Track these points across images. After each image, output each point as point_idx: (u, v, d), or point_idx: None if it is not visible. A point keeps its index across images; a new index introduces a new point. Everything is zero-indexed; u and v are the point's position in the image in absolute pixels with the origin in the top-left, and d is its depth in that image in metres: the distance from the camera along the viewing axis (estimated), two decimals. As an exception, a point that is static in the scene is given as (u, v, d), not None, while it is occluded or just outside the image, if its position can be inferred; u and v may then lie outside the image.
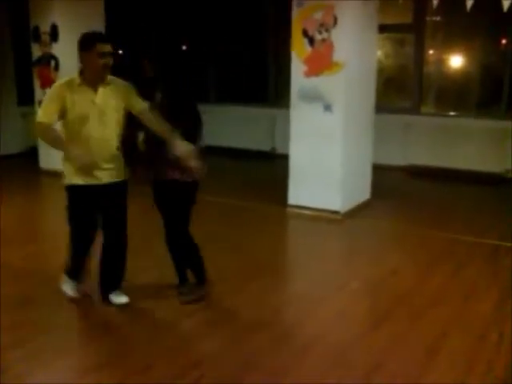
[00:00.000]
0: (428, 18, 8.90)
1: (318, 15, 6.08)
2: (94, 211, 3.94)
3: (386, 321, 3.86)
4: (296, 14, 6.25)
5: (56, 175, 8.19)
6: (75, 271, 4.14)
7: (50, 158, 8.62)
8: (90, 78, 3.70)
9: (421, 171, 8.57)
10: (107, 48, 3.67)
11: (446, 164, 8.44)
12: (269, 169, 9.28)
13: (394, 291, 4.38)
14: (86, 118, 3.70)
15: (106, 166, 3.81)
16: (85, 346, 3.56)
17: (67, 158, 3.79)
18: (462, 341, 3.56)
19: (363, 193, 6.85)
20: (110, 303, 4.05)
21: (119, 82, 3.85)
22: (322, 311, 4.03)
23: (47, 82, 8.41)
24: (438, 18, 9.13)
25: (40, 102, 8.55)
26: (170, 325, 3.80)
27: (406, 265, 4.97)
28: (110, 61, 3.68)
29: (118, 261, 4.05)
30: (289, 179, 6.55)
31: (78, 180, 3.81)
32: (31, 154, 9.21)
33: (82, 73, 3.73)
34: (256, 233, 5.84)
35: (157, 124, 3.76)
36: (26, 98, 9.45)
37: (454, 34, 9.06)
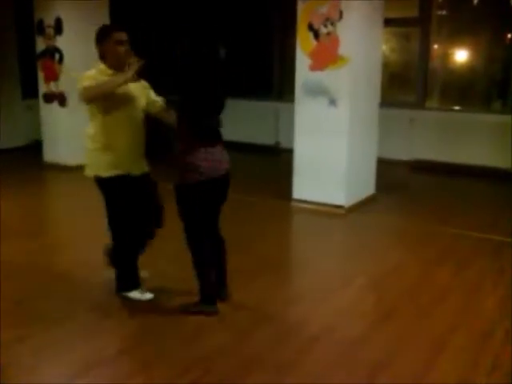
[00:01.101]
0: (434, 12, 8.85)
1: (324, 9, 6.05)
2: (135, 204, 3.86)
3: (391, 317, 3.85)
4: (301, 7, 6.22)
5: (59, 168, 8.34)
6: (132, 280, 4.05)
7: (54, 152, 8.67)
8: (114, 67, 3.71)
9: (425, 166, 8.54)
10: (124, 36, 3.71)
11: (451, 159, 8.41)
12: (273, 163, 9.27)
13: (398, 287, 4.37)
14: (127, 101, 3.71)
15: (139, 156, 3.85)
16: (92, 339, 3.54)
17: (105, 146, 3.71)
18: (467, 338, 3.55)
19: (367, 187, 6.84)
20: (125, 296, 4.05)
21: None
22: (327, 307, 4.02)
23: (51, 75, 8.43)
24: (444, 12, 9.07)
25: (45, 95, 8.57)
26: (175, 320, 3.79)
27: (411, 260, 4.96)
28: (128, 48, 3.71)
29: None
30: (293, 173, 6.54)
31: (117, 171, 3.75)
32: (35, 147, 9.21)
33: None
34: (260, 227, 5.83)
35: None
36: (30, 91, 9.46)
37: (460, 28, 9.01)
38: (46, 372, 3.22)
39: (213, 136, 3.69)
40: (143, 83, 3.89)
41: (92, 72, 3.72)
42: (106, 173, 3.75)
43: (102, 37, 3.74)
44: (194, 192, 3.65)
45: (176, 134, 3.69)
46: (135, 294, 4.03)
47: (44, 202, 7.31)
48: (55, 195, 7.73)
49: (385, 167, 7.34)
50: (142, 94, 3.88)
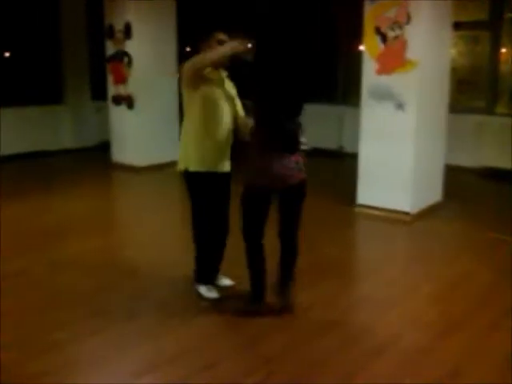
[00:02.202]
0: (505, 15, 8.59)
1: (391, 12, 5.97)
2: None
3: (460, 327, 3.75)
4: (368, 11, 6.16)
5: (126, 169, 8.55)
6: (204, 275, 4.18)
7: (121, 152, 8.90)
8: (213, 66, 3.79)
9: (494, 173, 8.29)
10: (223, 36, 3.85)
11: (521, 166, 8.13)
12: (336, 167, 9.20)
13: (467, 296, 4.25)
14: (225, 99, 3.85)
15: (228, 154, 3.95)
16: (156, 338, 3.61)
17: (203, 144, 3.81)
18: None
19: (434, 194, 6.69)
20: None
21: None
22: (393, 314, 3.96)
23: (120, 78, 8.66)
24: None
25: (113, 97, 8.81)
26: (239, 321, 3.81)
27: (480, 270, 4.82)
28: None
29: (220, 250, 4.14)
30: (358, 178, 6.47)
31: (209, 166, 3.85)
32: (103, 148, 9.48)
33: None
34: (324, 231, 5.79)
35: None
36: (100, 94, 9.75)
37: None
38: (112, 368, 3.29)
39: (289, 144, 3.60)
40: (234, 87, 4.03)
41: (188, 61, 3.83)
42: (197, 167, 3.85)
43: (204, 36, 3.87)
44: (261, 197, 3.67)
45: (250, 136, 3.73)
46: (202, 290, 4.13)
47: (111, 202, 7.50)
48: (122, 195, 7.93)
49: (452, 174, 7.17)
50: (235, 96, 4.01)
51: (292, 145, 3.61)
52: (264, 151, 3.60)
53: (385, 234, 5.84)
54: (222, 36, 3.84)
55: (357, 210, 6.46)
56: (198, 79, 3.74)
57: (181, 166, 3.93)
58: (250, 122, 3.77)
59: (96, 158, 9.69)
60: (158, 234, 5.76)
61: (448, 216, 6.40)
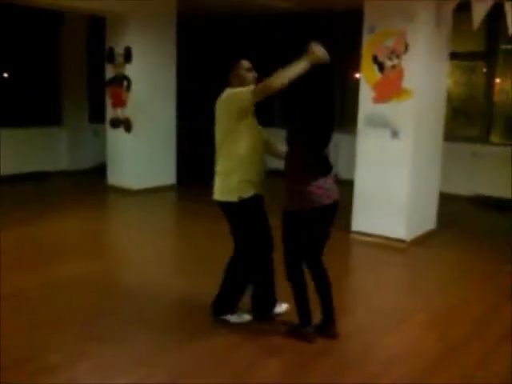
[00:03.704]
0: (500, 46, 8.72)
1: (389, 42, 6.07)
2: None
3: (456, 355, 3.74)
4: (367, 40, 6.26)
5: (122, 192, 8.56)
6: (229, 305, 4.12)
7: (118, 175, 8.92)
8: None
9: (487, 202, 8.34)
10: (249, 64, 3.92)
11: (514, 195, 8.19)
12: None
13: (461, 325, 4.25)
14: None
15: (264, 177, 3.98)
16: (146, 363, 3.58)
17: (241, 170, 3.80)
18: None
19: (429, 222, 6.73)
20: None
21: None
22: (388, 342, 3.95)
23: (119, 101, 8.72)
24: (511, 47, 8.92)
25: (111, 120, 8.85)
26: (235, 345, 3.80)
27: (473, 298, 4.83)
28: (255, 74, 3.90)
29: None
30: (353, 205, 6.51)
31: (256, 190, 3.86)
32: (100, 170, 9.50)
33: None
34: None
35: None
36: (98, 116, 9.79)
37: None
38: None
39: (326, 165, 3.73)
40: None
41: (237, 89, 3.81)
42: (251, 192, 3.83)
43: (233, 65, 3.92)
44: (304, 218, 3.71)
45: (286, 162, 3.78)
46: (234, 318, 4.08)
47: (106, 224, 7.48)
48: (117, 218, 7.92)
49: (445, 202, 7.21)
50: None
51: (328, 167, 3.73)
52: (305, 175, 3.66)
53: (379, 261, 5.86)
54: (248, 64, 3.90)
55: (352, 236, 6.48)
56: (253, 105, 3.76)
57: (232, 197, 3.81)
58: (282, 148, 3.95)
59: (92, 180, 9.70)
60: (153, 258, 5.76)
61: (442, 244, 6.43)
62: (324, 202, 3.67)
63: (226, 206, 3.88)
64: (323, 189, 3.66)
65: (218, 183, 3.91)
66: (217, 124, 3.87)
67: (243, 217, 3.89)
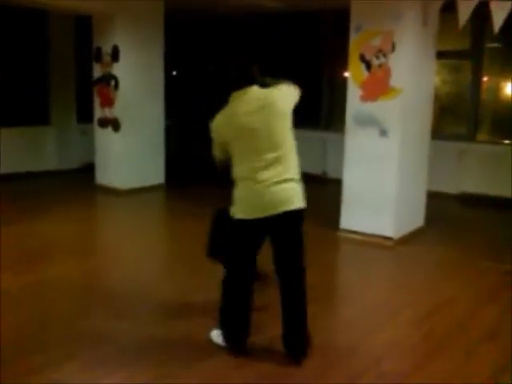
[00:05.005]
0: (485, 45, 8.78)
1: (377, 41, 6.09)
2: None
3: (440, 353, 3.77)
4: (354, 39, 6.28)
5: (110, 191, 8.54)
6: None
7: (106, 175, 8.90)
8: None
9: (474, 199, 8.40)
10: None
11: (501, 193, 8.24)
12: (320, 192, 9.22)
13: (448, 322, 4.28)
14: None
15: None
16: (129, 365, 3.53)
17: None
18: (520, 377, 3.46)
19: (416, 219, 6.77)
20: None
21: None
22: (375, 340, 3.97)
23: (106, 101, 8.69)
24: (496, 45, 8.99)
25: (99, 120, 8.82)
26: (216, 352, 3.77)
27: (460, 296, 4.86)
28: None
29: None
30: (341, 203, 6.53)
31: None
32: (88, 170, 9.46)
33: None
34: (306, 256, 5.79)
35: None
36: (85, 116, 9.74)
37: (512, 60, 8.91)
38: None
39: None
40: None
41: (285, 86, 3.74)
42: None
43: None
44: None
45: None
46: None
47: (93, 225, 7.45)
48: (105, 218, 7.89)
49: (433, 200, 7.26)
50: None
51: None
52: None
53: (367, 259, 5.88)
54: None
55: (340, 234, 6.50)
56: None
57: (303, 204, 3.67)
58: None
59: (80, 180, 9.65)
60: (140, 258, 5.74)
61: (430, 241, 6.47)
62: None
63: (302, 214, 3.67)
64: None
65: (295, 189, 3.71)
66: (268, 125, 3.54)
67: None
